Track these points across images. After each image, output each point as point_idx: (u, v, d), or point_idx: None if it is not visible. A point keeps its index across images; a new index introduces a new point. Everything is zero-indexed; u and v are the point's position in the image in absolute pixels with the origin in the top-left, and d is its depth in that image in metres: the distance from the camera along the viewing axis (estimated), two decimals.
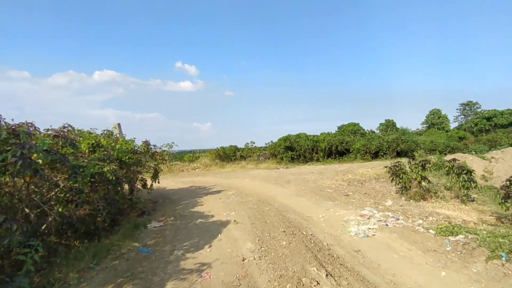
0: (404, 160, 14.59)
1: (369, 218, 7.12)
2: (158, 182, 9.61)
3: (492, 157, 16.41)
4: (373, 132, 46.40)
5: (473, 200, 11.10)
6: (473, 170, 10.17)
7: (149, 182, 9.89)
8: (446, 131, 47.60)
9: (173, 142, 28.36)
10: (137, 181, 9.31)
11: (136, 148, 8.90)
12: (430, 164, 10.80)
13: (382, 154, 27.45)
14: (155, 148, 9.73)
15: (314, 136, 28.90)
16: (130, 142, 8.83)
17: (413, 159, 11.18)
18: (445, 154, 28.37)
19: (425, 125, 55.68)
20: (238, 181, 14.01)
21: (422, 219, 7.35)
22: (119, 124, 9.36)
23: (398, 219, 7.00)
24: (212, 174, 19.55)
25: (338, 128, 49.42)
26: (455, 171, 10.39)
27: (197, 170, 25.59)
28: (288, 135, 29.07)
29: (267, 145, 30.71)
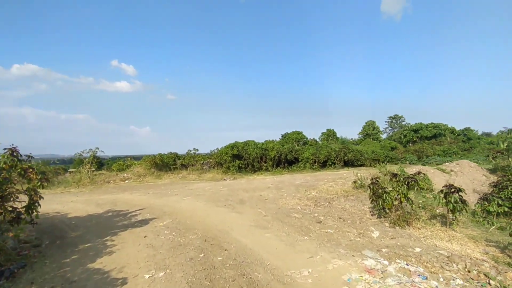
0: (371, 171, 12.80)
1: (382, 277, 4.43)
2: (36, 217, 5.63)
3: (451, 170, 15.63)
4: (316, 140, 46.00)
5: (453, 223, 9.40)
6: (463, 189, 8.41)
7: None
8: (379, 141, 49.56)
9: (97, 148, 23.25)
10: None
11: None
12: (416, 182, 8.73)
13: (331, 163, 26.14)
14: (29, 160, 5.69)
15: (263, 144, 26.45)
16: None
17: (395, 176, 9.06)
18: (385, 163, 28.40)
19: (361, 135, 57.70)
20: (176, 200, 10.46)
21: (446, 268, 4.96)
22: None
23: (425, 277, 4.43)
24: (144, 188, 15.51)
25: (282, 136, 48.04)
26: (442, 191, 8.53)
27: (127, 181, 21.01)
28: (235, 142, 26.11)
29: (212, 152, 27.33)
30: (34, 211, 5.50)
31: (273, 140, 34.55)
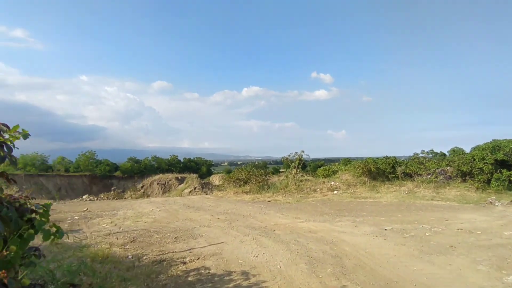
0: None
1: None
2: None
3: None
4: None
5: None
6: None
7: None
8: None
9: (302, 151, 20.10)
10: None
11: None
12: None
13: None
14: None
15: None
16: None
17: None
18: None
19: None
20: None
21: None
22: None
23: None
24: (368, 210, 9.86)
25: None
26: None
27: (335, 192, 16.20)
28: (493, 140, 15.80)
29: (448, 157, 18.10)
30: None
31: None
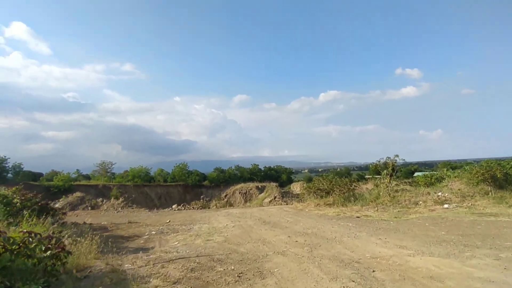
0: None
1: None
2: None
3: None
4: None
5: None
6: None
7: None
8: None
9: (397, 156, 16.71)
10: None
11: None
12: None
13: None
14: None
15: None
16: None
17: None
18: None
19: None
20: None
21: None
22: None
23: None
24: None
25: None
26: None
27: (446, 205, 12.51)
28: None
29: None
30: None
31: None
